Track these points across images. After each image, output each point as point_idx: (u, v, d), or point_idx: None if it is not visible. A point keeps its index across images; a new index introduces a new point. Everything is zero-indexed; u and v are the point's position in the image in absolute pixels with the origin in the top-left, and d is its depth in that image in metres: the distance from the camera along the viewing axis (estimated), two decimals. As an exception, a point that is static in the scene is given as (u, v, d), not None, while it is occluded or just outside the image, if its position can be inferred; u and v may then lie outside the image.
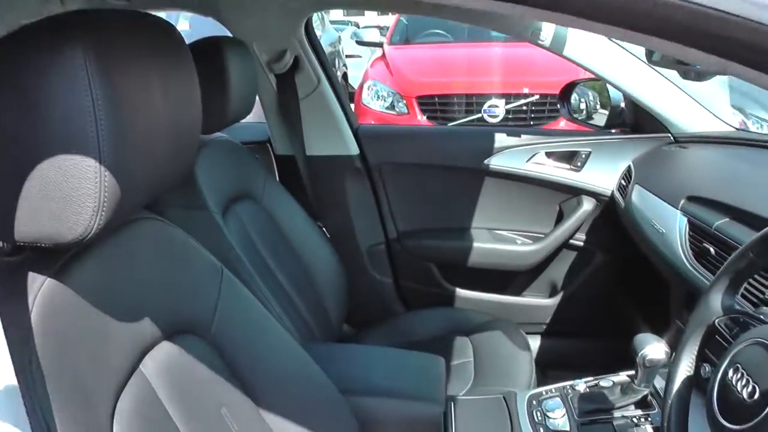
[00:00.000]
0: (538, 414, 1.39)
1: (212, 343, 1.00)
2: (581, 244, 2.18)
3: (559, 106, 2.41)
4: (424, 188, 2.18)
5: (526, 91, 4.28)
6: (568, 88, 2.34)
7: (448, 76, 4.39)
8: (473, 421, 1.39)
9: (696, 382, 1.04)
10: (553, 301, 2.24)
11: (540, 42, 1.88)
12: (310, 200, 2.14)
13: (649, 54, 1.33)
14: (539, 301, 2.25)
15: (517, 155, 2.12)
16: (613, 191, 2.07)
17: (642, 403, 1.36)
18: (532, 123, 4.34)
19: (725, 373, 0.91)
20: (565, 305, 2.22)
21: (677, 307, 1.51)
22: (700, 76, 1.20)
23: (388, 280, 2.21)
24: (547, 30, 1.86)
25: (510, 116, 4.30)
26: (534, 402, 1.44)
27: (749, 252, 0.98)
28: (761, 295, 1.13)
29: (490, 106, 4.10)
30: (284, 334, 1.10)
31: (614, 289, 2.20)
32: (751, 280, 1.17)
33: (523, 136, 2.15)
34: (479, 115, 4.06)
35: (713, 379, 0.93)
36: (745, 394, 0.85)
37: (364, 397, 1.16)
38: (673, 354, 1.07)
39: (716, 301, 1.04)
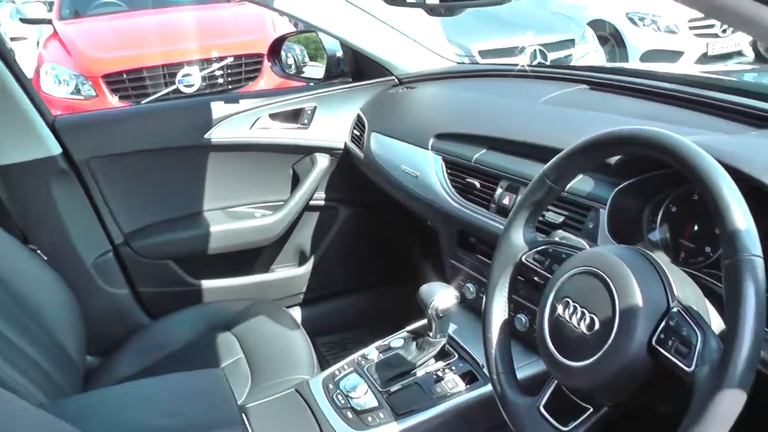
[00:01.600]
0: (340, 398, 1.26)
1: None
2: (323, 203, 2.08)
3: (270, 64, 2.26)
4: (143, 179, 1.87)
5: (215, 54, 4.04)
6: (277, 45, 2.19)
7: (134, 49, 3.94)
8: (274, 426, 1.22)
9: (515, 327, 1.00)
10: (306, 269, 2.13)
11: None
12: (13, 220, 1.71)
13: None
14: (293, 272, 2.12)
15: (238, 123, 1.92)
16: (346, 143, 1.99)
17: (441, 354, 1.31)
18: (230, 87, 4.14)
19: (553, 309, 0.86)
20: (320, 269, 2.13)
21: (451, 248, 1.48)
22: (449, 11, 1.14)
23: (124, 291, 1.88)
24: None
25: (207, 83, 4.03)
26: (330, 386, 1.31)
27: (546, 179, 0.95)
28: (543, 219, 1.12)
29: (184, 76, 3.79)
30: (19, 405, 0.80)
31: (367, 241, 2.16)
32: None
33: (241, 102, 1.95)
34: (174, 87, 3.72)
35: (541, 319, 0.88)
36: (583, 328, 0.81)
37: None
38: (484, 300, 1.01)
39: (518, 236, 0.99)
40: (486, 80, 1.87)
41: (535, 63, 5.12)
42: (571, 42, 5.49)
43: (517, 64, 1.79)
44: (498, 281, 0.99)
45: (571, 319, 0.82)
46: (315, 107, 1.99)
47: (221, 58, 4.02)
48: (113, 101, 3.76)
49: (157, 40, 3.98)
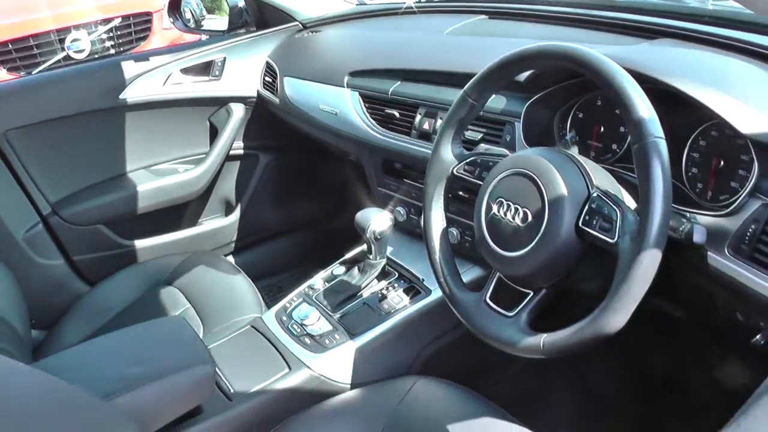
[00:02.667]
0: (295, 327, 1.34)
1: None
2: (242, 152, 2.11)
3: (171, 20, 2.23)
4: (64, 146, 1.84)
5: (100, 17, 3.87)
6: (176, 1, 2.17)
7: (15, 16, 3.69)
8: (239, 361, 1.28)
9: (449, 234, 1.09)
10: (234, 217, 2.17)
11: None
12: None
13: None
14: (223, 221, 2.15)
15: (151, 81, 1.90)
16: (258, 91, 2.02)
17: (382, 275, 1.40)
18: (121, 50, 3.98)
19: (489, 209, 0.96)
20: (248, 216, 2.18)
21: (378, 177, 1.56)
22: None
23: (59, 262, 1.86)
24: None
25: (98, 48, 3.86)
26: (284, 318, 1.38)
27: (467, 98, 1.03)
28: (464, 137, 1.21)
29: (73, 41, 3.60)
30: (9, 364, 0.83)
31: (290, 184, 2.21)
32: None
33: (152, 59, 1.93)
34: (64, 54, 3.53)
35: (478, 220, 0.98)
36: (518, 221, 0.91)
37: (129, 392, 0.95)
38: (423, 214, 1.10)
39: (447, 152, 1.08)
40: (387, 19, 1.93)
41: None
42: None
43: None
44: (434, 195, 1.09)
45: (506, 215, 0.93)
46: (224, 58, 2.00)
47: (108, 20, 3.85)
48: (2, 74, 3.54)
49: (36, 5, 3.74)
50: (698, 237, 0.85)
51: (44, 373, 0.87)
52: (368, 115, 1.53)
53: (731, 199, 0.91)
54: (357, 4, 2.10)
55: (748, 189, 0.86)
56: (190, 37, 2.45)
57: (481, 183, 1.01)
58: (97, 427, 0.90)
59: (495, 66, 1.00)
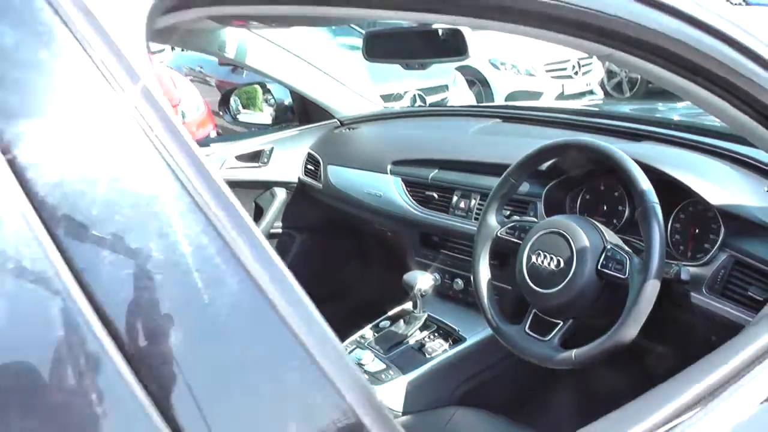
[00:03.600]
0: (353, 365, 1.62)
1: None
2: (280, 230, 2.42)
3: (221, 113, 2.60)
4: None
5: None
6: (227, 96, 2.55)
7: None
8: None
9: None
10: None
11: (225, 54, 2.05)
12: None
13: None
14: None
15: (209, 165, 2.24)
16: (299, 177, 2.36)
17: (424, 326, 1.70)
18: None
19: (529, 259, 1.29)
20: None
21: (415, 249, 1.89)
22: (422, 66, 1.55)
23: None
24: (231, 44, 2.03)
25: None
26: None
27: (510, 178, 1.39)
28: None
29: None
30: None
31: (320, 259, 2.52)
32: None
33: (212, 145, 2.28)
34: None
35: (520, 267, 1.30)
36: (552, 266, 1.24)
37: None
38: (472, 267, 1.42)
39: (492, 220, 1.42)
40: (414, 119, 2.32)
41: (416, 105, 5.66)
42: (445, 87, 6.11)
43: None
44: (481, 252, 1.42)
45: (542, 263, 1.26)
46: (272, 148, 2.35)
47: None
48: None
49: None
50: (684, 275, 1.18)
51: None
52: (410, 196, 1.88)
53: (706, 255, 1.25)
54: (384, 107, 2.50)
55: (717, 246, 1.21)
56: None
57: (520, 242, 1.34)
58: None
59: (534, 153, 1.36)
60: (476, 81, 7.00)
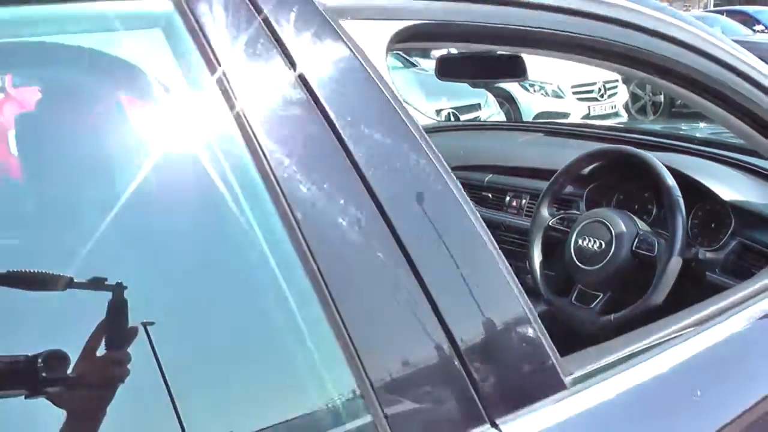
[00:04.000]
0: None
1: None
2: None
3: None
4: None
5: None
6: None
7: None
8: None
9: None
10: None
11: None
12: None
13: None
14: None
15: None
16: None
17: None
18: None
19: (576, 242, 1.60)
20: None
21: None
22: (487, 85, 1.87)
23: None
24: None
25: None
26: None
27: (559, 178, 1.70)
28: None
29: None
30: None
31: None
32: None
33: None
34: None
35: (569, 250, 1.61)
36: (595, 248, 1.55)
37: None
38: (528, 251, 1.73)
39: (545, 212, 1.73)
40: (464, 132, 2.64)
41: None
42: (478, 106, 6.42)
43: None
44: (535, 239, 1.73)
45: (587, 245, 1.56)
46: None
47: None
48: None
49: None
50: (702, 255, 1.48)
51: None
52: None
53: (719, 243, 1.55)
54: (436, 121, 2.83)
55: (728, 234, 1.51)
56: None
57: (567, 230, 1.65)
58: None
59: (582, 157, 1.67)
60: (505, 102, 7.27)
